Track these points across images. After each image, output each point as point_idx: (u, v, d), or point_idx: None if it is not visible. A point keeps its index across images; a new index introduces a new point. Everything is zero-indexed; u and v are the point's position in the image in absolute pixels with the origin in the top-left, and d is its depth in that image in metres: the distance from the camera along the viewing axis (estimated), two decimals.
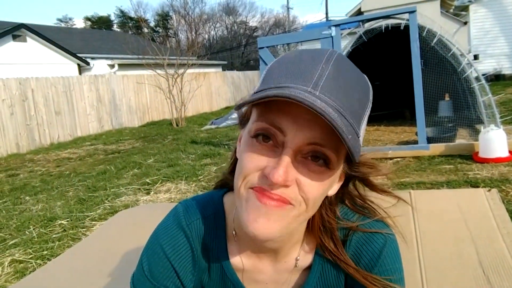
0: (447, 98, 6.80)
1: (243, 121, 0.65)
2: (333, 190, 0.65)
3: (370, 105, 0.61)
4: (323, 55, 0.57)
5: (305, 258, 0.72)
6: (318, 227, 0.69)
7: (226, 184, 0.79)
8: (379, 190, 0.70)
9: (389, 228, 0.70)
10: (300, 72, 0.56)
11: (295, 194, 0.57)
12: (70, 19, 45.46)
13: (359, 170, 0.65)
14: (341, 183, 0.66)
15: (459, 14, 15.66)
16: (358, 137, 0.57)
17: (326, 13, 31.15)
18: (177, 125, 11.10)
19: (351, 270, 0.67)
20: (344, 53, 6.65)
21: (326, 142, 0.56)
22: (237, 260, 0.72)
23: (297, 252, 0.71)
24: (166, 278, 0.71)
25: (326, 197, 0.68)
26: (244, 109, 0.66)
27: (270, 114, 0.56)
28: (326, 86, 0.54)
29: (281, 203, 0.57)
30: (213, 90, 16.53)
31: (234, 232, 0.72)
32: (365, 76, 0.62)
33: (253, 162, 0.58)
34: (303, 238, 0.71)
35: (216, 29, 43.80)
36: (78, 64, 14.94)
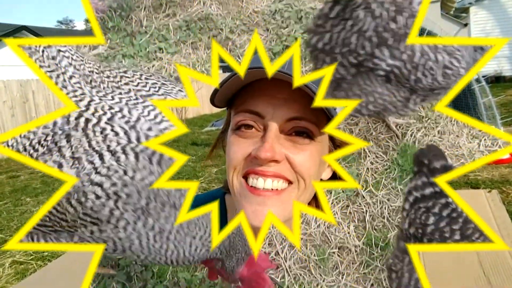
0: None
1: (225, 128, 0.67)
2: (326, 174, 0.67)
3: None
4: None
5: None
6: None
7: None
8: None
9: None
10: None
11: (290, 171, 0.58)
12: (70, 21, 45.63)
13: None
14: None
15: (460, 16, 15.68)
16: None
17: None
18: None
19: None
20: None
21: (304, 115, 0.58)
22: None
23: None
24: None
25: None
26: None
27: (245, 104, 0.60)
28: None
29: (276, 178, 0.58)
30: None
31: None
32: None
33: (239, 151, 0.60)
34: None
35: None
36: None
